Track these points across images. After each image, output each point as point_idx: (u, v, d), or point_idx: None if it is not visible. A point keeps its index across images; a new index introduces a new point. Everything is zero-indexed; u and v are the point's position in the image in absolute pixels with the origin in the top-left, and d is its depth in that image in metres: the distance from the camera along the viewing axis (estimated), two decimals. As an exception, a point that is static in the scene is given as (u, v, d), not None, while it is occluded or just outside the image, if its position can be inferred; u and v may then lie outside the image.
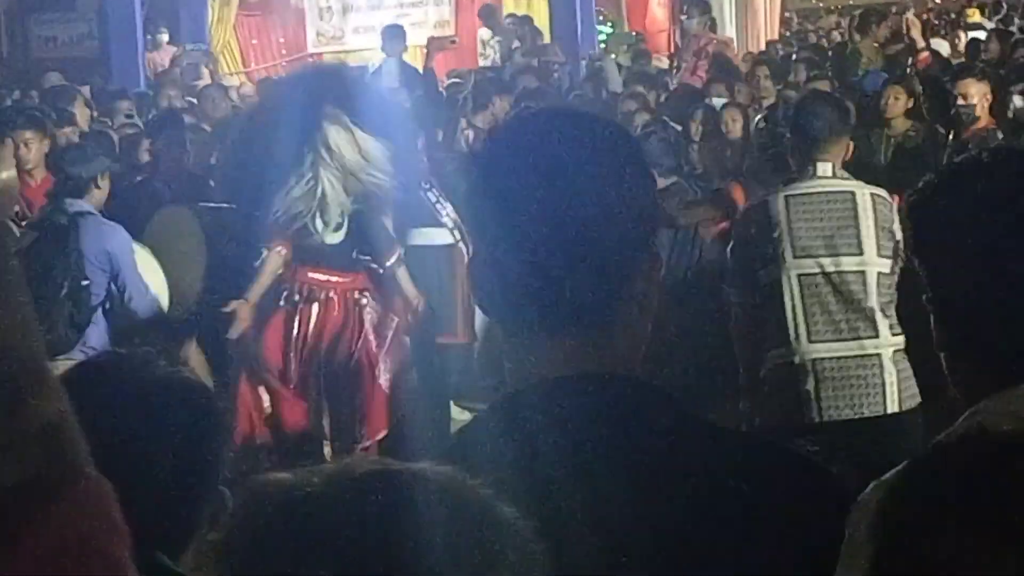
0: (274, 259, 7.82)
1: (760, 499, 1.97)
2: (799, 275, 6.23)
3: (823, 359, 6.16)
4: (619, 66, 17.81)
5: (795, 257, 6.23)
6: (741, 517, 1.96)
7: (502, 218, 2.05)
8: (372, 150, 7.49)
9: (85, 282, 7.46)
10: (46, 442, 1.56)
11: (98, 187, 7.81)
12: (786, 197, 6.34)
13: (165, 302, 7.93)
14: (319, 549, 1.37)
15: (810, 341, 6.19)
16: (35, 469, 1.54)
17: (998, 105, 9.81)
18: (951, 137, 9.67)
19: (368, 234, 7.81)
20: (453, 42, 16.82)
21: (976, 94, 9.48)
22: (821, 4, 35.72)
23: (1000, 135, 9.36)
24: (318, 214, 7.55)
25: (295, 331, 7.76)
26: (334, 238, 7.71)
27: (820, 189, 6.33)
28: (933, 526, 1.64)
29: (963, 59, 15.07)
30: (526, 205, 2.03)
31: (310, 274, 7.80)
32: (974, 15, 25.34)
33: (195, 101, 13.94)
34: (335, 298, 7.81)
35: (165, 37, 19.70)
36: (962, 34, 20.65)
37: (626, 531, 1.95)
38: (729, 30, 22.97)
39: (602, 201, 2.03)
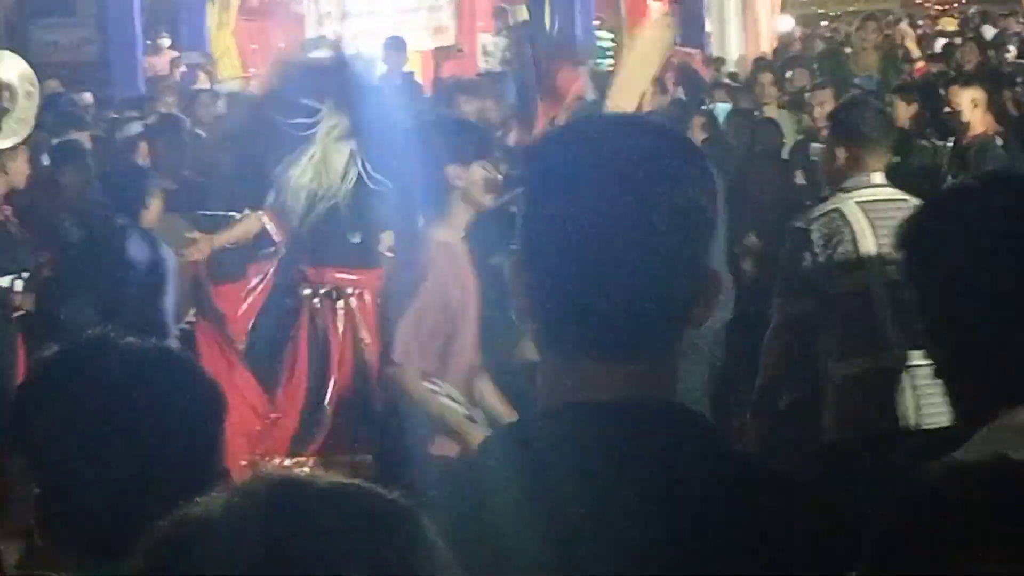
0: (254, 220, 7.90)
1: (781, 537, 1.91)
2: (887, 282, 6.08)
3: (918, 366, 5.98)
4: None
5: (885, 264, 6.07)
6: (765, 554, 1.89)
7: (557, 230, 1.92)
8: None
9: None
10: None
11: (146, 207, 8.15)
12: (858, 203, 6.24)
13: None
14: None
15: (901, 348, 6.07)
16: None
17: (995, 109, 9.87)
18: (951, 145, 9.67)
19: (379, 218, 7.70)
20: (459, 50, 16.79)
21: (964, 100, 9.50)
22: (821, 11, 35.76)
23: (1000, 141, 9.37)
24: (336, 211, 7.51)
25: (320, 332, 7.72)
26: (355, 236, 7.65)
27: (885, 196, 6.28)
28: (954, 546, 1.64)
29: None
30: (584, 217, 1.90)
31: (337, 275, 7.72)
32: (951, 24, 25.38)
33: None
34: (362, 293, 7.74)
35: (166, 42, 19.69)
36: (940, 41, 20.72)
37: (652, 558, 1.87)
38: (735, 38, 22.98)
39: (669, 215, 1.90)
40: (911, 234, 2.44)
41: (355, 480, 1.43)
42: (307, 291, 7.78)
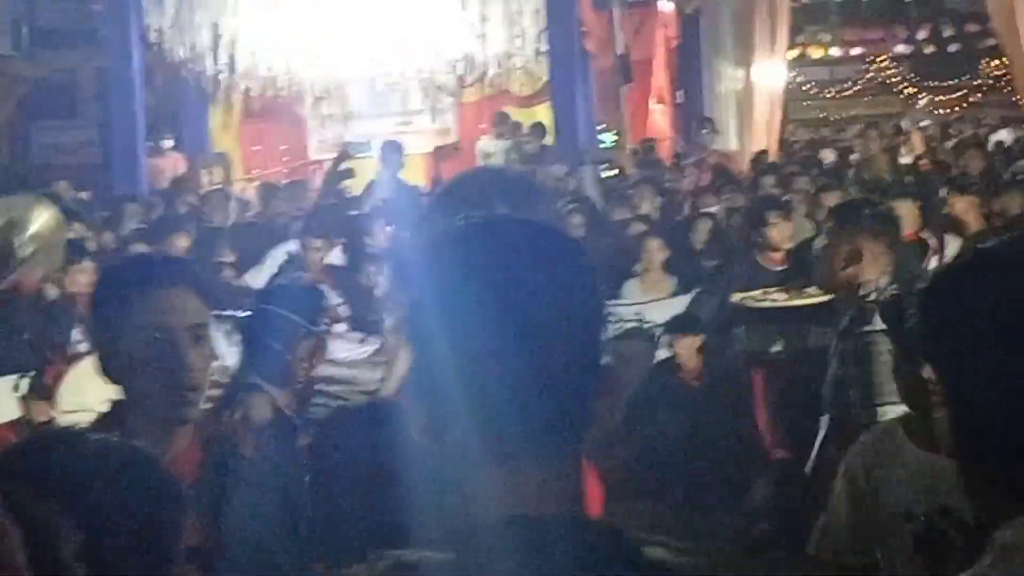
0: None
1: None
2: None
3: None
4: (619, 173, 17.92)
5: None
6: None
7: (447, 332, 1.91)
8: None
9: None
10: None
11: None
12: None
13: None
14: None
15: None
16: None
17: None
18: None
19: None
20: (457, 148, 16.79)
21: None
22: (823, 115, 35.97)
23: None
24: None
25: None
26: None
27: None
28: None
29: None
30: (472, 318, 1.90)
31: None
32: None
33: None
34: None
35: (169, 143, 19.73)
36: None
37: None
38: (734, 139, 23.04)
39: (555, 314, 1.91)
40: (931, 299, 2.31)
41: None
42: None
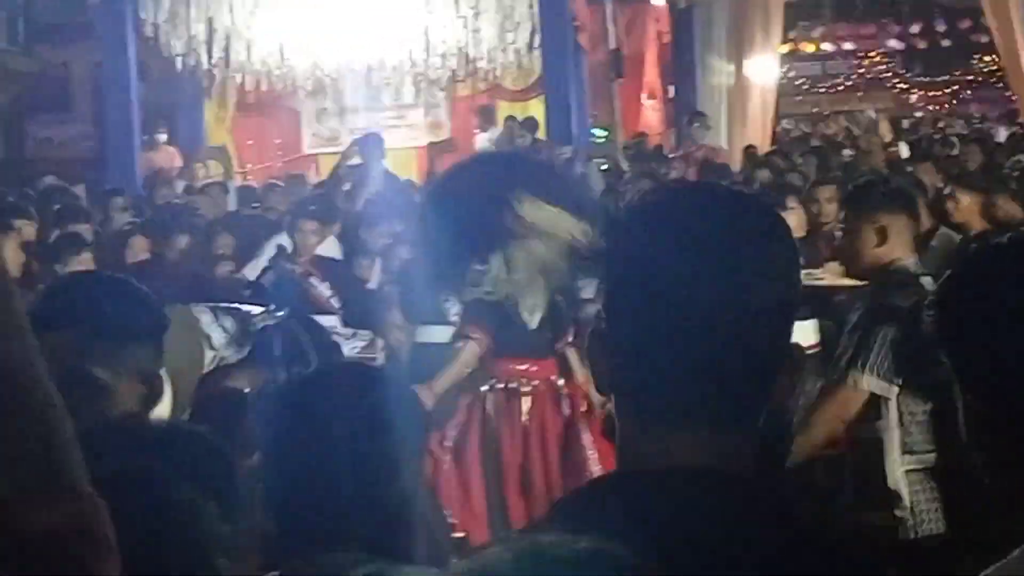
0: (472, 348, 7.46)
1: None
2: None
3: None
4: (613, 169, 17.95)
5: None
6: None
7: (639, 299, 1.92)
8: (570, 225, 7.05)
9: None
10: (39, 459, 1.64)
11: None
12: None
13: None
14: None
15: None
16: (27, 483, 1.62)
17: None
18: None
19: (554, 314, 7.34)
20: (451, 144, 16.79)
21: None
22: (815, 110, 35.97)
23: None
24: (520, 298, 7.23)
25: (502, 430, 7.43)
26: (533, 322, 7.34)
27: None
28: None
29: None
30: (670, 284, 1.89)
31: (511, 365, 7.42)
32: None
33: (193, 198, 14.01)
34: (540, 388, 7.44)
35: (163, 137, 19.73)
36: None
37: None
38: (724, 133, 23.05)
39: (755, 285, 1.90)
40: (943, 297, 2.29)
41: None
42: (484, 387, 7.46)
